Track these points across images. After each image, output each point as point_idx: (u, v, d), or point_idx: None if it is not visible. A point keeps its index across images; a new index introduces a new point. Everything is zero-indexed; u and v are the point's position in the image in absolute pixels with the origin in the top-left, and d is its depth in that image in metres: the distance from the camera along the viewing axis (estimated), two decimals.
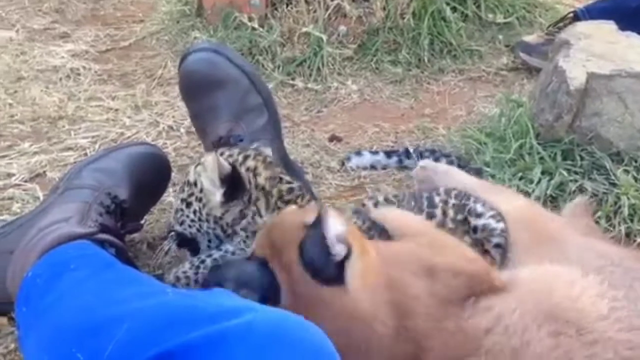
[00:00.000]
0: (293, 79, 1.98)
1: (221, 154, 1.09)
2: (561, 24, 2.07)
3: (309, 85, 1.96)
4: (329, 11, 2.06)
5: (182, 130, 1.72)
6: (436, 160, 1.49)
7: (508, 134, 1.54)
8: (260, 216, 1.05)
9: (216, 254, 1.02)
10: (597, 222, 1.34)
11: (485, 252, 1.13)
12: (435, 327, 0.86)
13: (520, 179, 1.44)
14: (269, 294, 0.84)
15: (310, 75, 1.99)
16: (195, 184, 1.09)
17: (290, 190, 1.10)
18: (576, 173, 1.43)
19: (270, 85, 1.77)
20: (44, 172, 1.52)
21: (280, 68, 2.00)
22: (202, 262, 1.01)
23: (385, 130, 1.77)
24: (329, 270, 0.85)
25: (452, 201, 1.17)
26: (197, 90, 1.33)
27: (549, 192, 1.40)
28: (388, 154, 1.58)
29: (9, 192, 1.44)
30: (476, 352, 0.83)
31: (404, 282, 0.89)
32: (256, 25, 2.04)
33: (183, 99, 1.41)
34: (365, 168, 1.58)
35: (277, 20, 2.06)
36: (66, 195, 1.13)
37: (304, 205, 1.07)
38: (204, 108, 1.33)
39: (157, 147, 1.38)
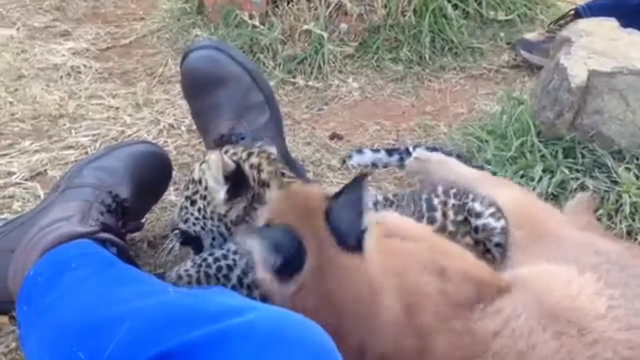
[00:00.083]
0: (294, 77, 1.98)
1: (225, 152, 1.09)
2: (562, 22, 2.06)
3: (310, 83, 1.96)
4: (330, 9, 2.06)
5: (183, 128, 1.72)
6: None
7: (509, 131, 1.54)
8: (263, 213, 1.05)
9: (218, 253, 1.02)
10: (598, 220, 1.34)
11: (486, 251, 1.13)
12: (443, 326, 0.86)
13: (522, 176, 1.44)
14: (294, 259, 0.85)
15: (311, 73, 1.99)
16: (200, 182, 1.09)
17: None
18: (577, 171, 1.43)
19: (271, 83, 1.77)
20: (45, 170, 1.52)
21: (281, 66, 2.00)
22: (204, 260, 1.01)
23: (386, 128, 1.77)
24: (353, 238, 0.88)
25: (451, 201, 1.16)
26: (199, 88, 1.33)
27: (550, 190, 1.40)
28: (389, 152, 1.58)
29: (9, 190, 1.44)
30: (483, 355, 0.84)
31: (415, 277, 0.90)
32: (257, 23, 2.04)
33: (185, 97, 1.41)
34: (366, 166, 1.58)
35: (278, 18, 2.06)
36: (67, 194, 1.13)
37: None
38: (206, 106, 1.33)
39: (158, 145, 1.38)
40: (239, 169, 1.04)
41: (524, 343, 0.84)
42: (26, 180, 1.49)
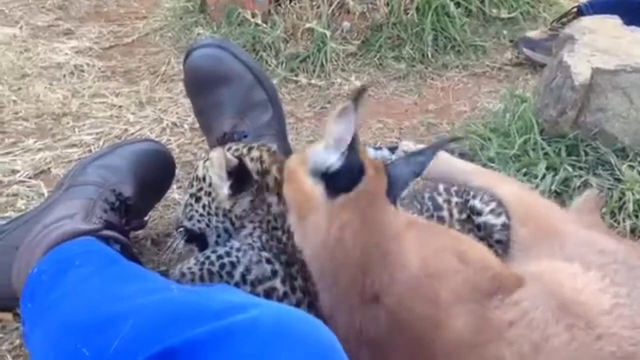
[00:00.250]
0: (296, 75, 1.98)
1: (228, 149, 1.09)
2: (565, 19, 2.06)
3: (313, 81, 1.96)
4: (333, 7, 2.06)
5: (185, 126, 1.73)
6: None
7: (512, 129, 1.54)
8: (269, 204, 1.05)
9: (221, 250, 1.02)
10: (601, 218, 1.33)
11: (488, 247, 1.13)
12: (461, 306, 0.86)
13: (525, 174, 1.44)
14: (351, 172, 0.90)
15: (314, 71, 1.99)
16: (204, 179, 1.09)
17: None
18: (581, 169, 1.43)
19: (274, 82, 1.77)
20: (49, 168, 1.53)
21: (284, 64, 2.00)
22: (207, 258, 1.01)
23: (389, 126, 1.77)
24: (400, 191, 0.95)
25: (454, 199, 1.16)
26: (201, 86, 1.33)
27: (553, 187, 1.40)
28: (392, 150, 1.58)
29: (13, 188, 1.45)
30: (497, 342, 0.84)
31: (437, 253, 0.91)
32: (259, 22, 2.04)
33: (188, 95, 1.41)
34: None
35: (281, 16, 2.06)
36: (71, 192, 1.14)
37: None
38: (209, 104, 1.33)
39: (161, 143, 1.38)
40: (241, 164, 1.04)
41: (539, 334, 0.84)
42: (30, 178, 1.49)
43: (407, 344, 0.85)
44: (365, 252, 0.87)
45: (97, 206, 1.09)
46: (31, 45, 2.14)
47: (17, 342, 1.09)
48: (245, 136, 1.27)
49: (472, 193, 1.16)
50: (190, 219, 1.11)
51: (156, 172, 1.27)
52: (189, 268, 1.01)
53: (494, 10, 2.29)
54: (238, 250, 1.01)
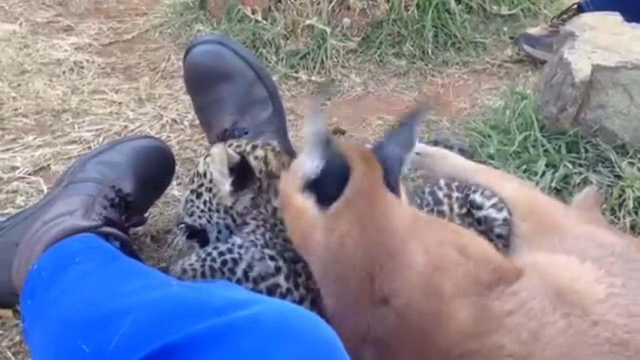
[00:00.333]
0: (297, 72, 1.98)
1: (229, 146, 1.09)
2: (565, 16, 2.06)
3: (313, 78, 1.96)
4: (333, 3, 2.06)
5: (185, 123, 1.72)
6: None
7: (512, 126, 1.54)
8: (272, 204, 1.04)
9: (223, 247, 1.02)
10: (602, 215, 1.34)
11: (489, 241, 1.13)
12: (465, 298, 0.86)
13: (525, 171, 1.44)
14: (338, 178, 0.87)
15: (314, 68, 1.98)
16: (205, 175, 1.09)
17: None
18: (581, 165, 1.43)
19: (274, 78, 1.77)
20: (48, 165, 1.53)
21: (284, 61, 1.99)
22: (209, 254, 1.01)
23: (389, 123, 1.76)
24: (397, 171, 0.92)
25: (454, 194, 1.16)
26: (202, 82, 1.33)
27: (553, 184, 1.40)
28: None
29: (13, 185, 1.44)
30: (498, 330, 0.85)
31: (439, 246, 0.90)
32: (259, 18, 2.04)
33: (188, 92, 1.41)
34: None
35: (281, 13, 2.06)
36: (70, 189, 1.13)
37: None
38: (209, 101, 1.33)
39: (161, 140, 1.37)
40: (243, 160, 1.04)
41: (537, 322, 0.85)
42: (29, 174, 1.49)
43: (414, 340, 0.85)
44: (370, 255, 0.86)
45: (96, 203, 1.09)
46: (31, 42, 2.14)
47: (17, 338, 1.09)
48: (246, 133, 1.27)
49: (472, 188, 1.16)
50: (191, 215, 1.11)
51: (156, 168, 1.26)
52: (190, 264, 1.01)
53: (495, 7, 2.28)
54: (240, 247, 1.00)
